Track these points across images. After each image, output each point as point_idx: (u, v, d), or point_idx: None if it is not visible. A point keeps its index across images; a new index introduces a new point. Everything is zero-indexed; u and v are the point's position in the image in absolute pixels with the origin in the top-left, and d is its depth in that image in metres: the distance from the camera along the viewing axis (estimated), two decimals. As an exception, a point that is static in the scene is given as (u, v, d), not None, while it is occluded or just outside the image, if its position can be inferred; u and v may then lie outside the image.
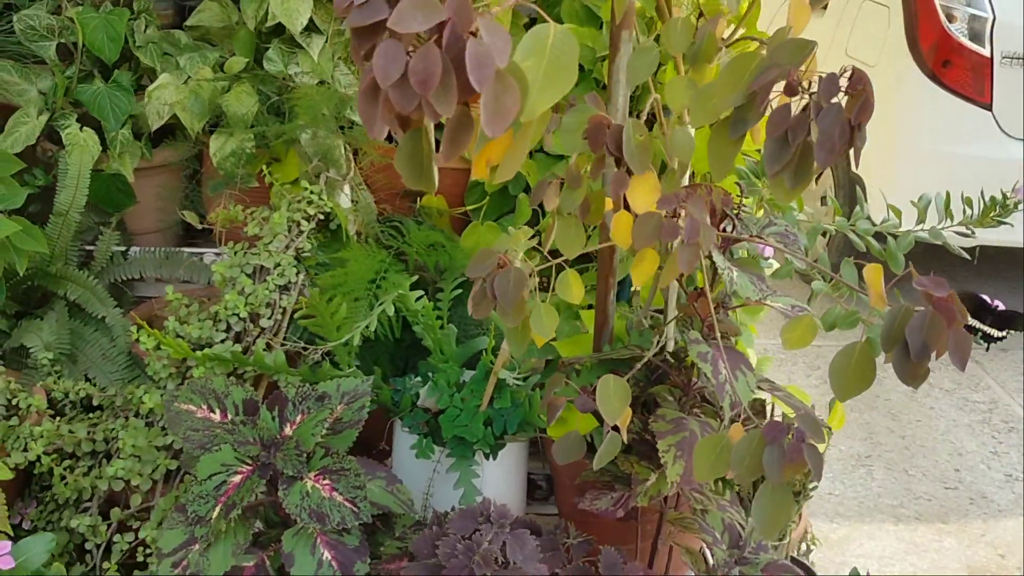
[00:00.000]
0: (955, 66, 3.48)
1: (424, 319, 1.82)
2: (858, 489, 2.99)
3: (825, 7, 4.14)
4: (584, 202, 1.48)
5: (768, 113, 1.23)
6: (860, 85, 1.20)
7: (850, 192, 3.77)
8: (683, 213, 1.32)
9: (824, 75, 1.20)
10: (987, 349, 1.56)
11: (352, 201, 2.08)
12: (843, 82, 1.20)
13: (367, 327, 1.71)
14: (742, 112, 1.25)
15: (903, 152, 3.64)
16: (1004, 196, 1.74)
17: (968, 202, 1.76)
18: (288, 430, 1.42)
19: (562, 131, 1.48)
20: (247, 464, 1.36)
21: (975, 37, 3.48)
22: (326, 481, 1.35)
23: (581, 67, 2.14)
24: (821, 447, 1.91)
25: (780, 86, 1.24)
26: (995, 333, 1.49)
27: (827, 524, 2.83)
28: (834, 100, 1.19)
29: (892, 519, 2.86)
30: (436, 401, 1.75)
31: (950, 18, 3.49)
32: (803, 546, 2.36)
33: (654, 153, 1.45)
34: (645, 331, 1.78)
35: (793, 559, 2.22)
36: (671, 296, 1.76)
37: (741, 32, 1.57)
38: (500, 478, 1.83)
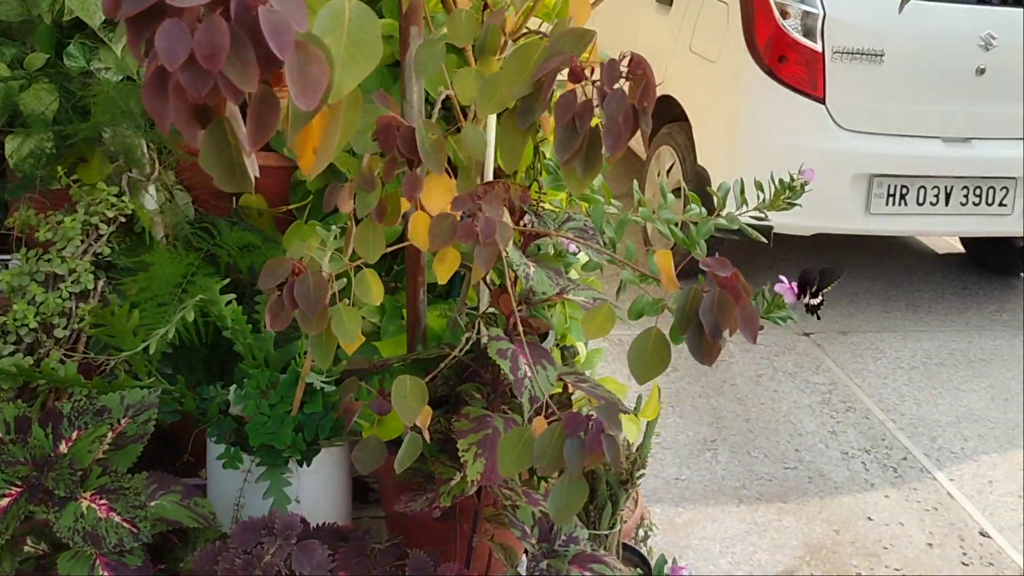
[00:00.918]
0: (790, 61, 3.61)
1: (234, 324, 1.76)
2: (703, 473, 3.07)
3: (671, 3, 4.24)
4: (380, 204, 1.45)
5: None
6: (639, 69, 1.21)
7: (698, 185, 3.86)
8: (480, 212, 1.31)
9: (604, 62, 1.20)
10: (818, 318, 1.66)
11: (163, 202, 1.99)
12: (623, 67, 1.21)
13: (166, 334, 1.64)
14: (528, 102, 1.25)
15: (744, 145, 3.75)
16: (792, 179, 1.80)
17: (759, 186, 1.82)
18: (63, 448, 1.34)
19: (350, 132, 1.44)
20: (16, 486, 1.28)
21: (808, 33, 3.62)
22: (103, 501, 1.28)
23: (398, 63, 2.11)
24: (622, 435, 1.94)
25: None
26: (812, 302, 1.56)
27: (673, 509, 2.89)
28: (617, 86, 1.20)
29: (735, 501, 2.94)
30: (243, 408, 1.69)
31: (784, 15, 3.61)
32: (640, 532, 2.40)
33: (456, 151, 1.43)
34: (459, 329, 1.76)
35: (626, 546, 2.25)
36: (482, 294, 1.76)
37: (527, 27, 1.57)
38: (318, 485, 1.78)
